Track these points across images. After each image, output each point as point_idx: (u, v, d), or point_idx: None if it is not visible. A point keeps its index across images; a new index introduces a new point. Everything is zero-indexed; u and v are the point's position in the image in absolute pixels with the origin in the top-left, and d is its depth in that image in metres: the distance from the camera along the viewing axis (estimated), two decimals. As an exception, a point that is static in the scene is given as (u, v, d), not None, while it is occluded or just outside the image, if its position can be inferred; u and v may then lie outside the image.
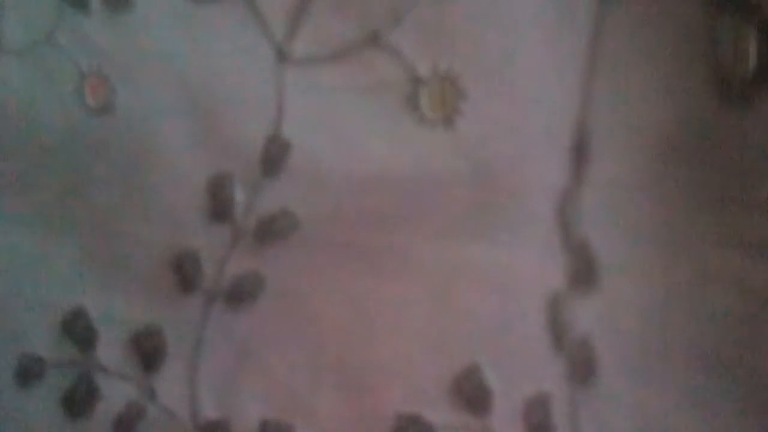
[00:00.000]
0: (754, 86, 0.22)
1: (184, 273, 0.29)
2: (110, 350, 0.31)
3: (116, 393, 0.31)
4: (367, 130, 0.27)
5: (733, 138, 0.23)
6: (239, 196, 0.29)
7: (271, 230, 0.29)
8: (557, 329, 0.28)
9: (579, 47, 0.26)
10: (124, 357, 0.31)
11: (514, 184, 0.27)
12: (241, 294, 0.29)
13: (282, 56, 0.28)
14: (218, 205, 0.29)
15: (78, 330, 0.31)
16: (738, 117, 0.23)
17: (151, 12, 0.29)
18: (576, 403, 0.28)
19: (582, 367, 0.28)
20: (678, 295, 0.25)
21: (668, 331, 0.26)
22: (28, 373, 0.32)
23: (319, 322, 0.29)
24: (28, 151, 0.31)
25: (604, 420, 0.27)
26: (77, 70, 0.30)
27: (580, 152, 0.27)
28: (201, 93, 0.29)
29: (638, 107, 0.25)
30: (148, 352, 0.30)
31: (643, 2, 0.25)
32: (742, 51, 0.23)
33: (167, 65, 0.29)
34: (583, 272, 0.28)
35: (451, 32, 0.26)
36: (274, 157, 0.28)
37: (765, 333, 0.23)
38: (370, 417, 0.28)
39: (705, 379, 0.25)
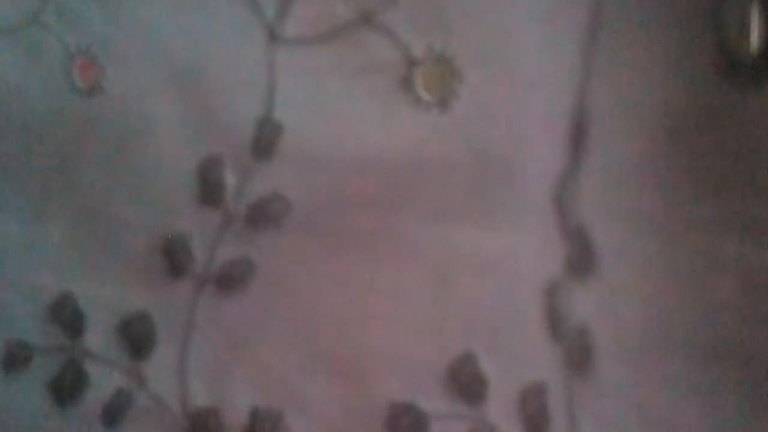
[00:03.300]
0: (758, 66, 0.22)
1: (174, 258, 0.29)
2: (99, 336, 0.31)
3: (105, 380, 0.31)
4: (360, 113, 0.27)
5: (736, 120, 0.23)
6: (230, 179, 0.29)
7: (263, 214, 0.28)
8: (554, 317, 0.28)
9: (578, 27, 0.26)
10: (112, 343, 0.30)
11: (511, 168, 0.27)
12: (231, 279, 0.29)
13: (273, 37, 0.27)
14: (208, 189, 0.29)
15: (66, 316, 0.31)
16: (742, 98, 0.23)
17: None
18: (573, 392, 0.28)
19: (579, 356, 0.27)
20: (678, 281, 0.25)
21: (667, 319, 0.25)
22: (15, 359, 0.31)
23: (311, 308, 0.28)
24: (15, 133, 0.31)
25: (601, 409, 0.27)
26: (65, 50, 0.30)
27: (578, 135, 0.27)
28: (191, 74, 0.28)
29: (639, 88, 0.25)
30: (137, 338, 0.30)
31: None
32: (747, 30, 0.22)
33: (157, 46, 0.28)
34: (581, 258, 0.27)
35: (447, 12, 0.26)
36: (265, 139, 0.28)
37: (766, 320, 0.23)
38: (364, 405, 0.28)
39: (704, 368, 0.24)
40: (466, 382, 0.27)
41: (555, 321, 0.27)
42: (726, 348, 0.24)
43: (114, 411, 0.30)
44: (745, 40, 0.22)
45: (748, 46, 0.22)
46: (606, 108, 0.26)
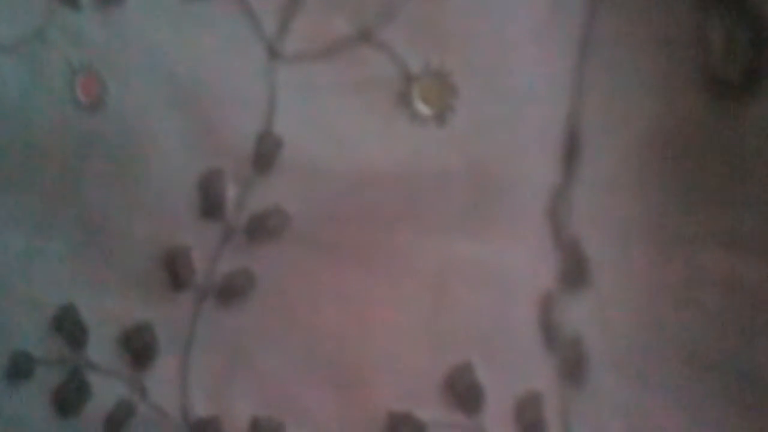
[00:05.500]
0: (744, 85, 0.22)
1: (176, 270, 0.29)
2: (101, 348, 0.31)
3: (107, 391, 0.31)
4: (359, 127, 0.27)
5: (723, 137, 0.23)
6: (231, 192, 0.29)
7: (263, 227, 0.29)
8: (549, 327, 0.28)
9: (570, 44, 0.26)
10: (114, 354, 0.30)
11: (506, 181, 0.27)
12: (232, 291, 0.29)
13: (273, 53, 0.28)
14: (210, 202, 0.29)
15: (68, 327, 0.31)
16: (729, 116, 0.23)
17: (141, 8, 0.29)
18: (567, 401, 0.28)
19: (573, 365, 0.28)
20: (668, 293, 0.25)
21: (658, 330, 0.26)
22: (19, 370, 0.31)
23: (310, 320, 0.29)
24: (18, 147, 0.31)
25: (595, 418, 0.27)
26: (68, 66, 0.30)
27: (571, 150, 0.27)
28: (192, 89, 0.29)
29: (629, 105, 0.25)
30: (138, 349, 0.30)
31: (634, 0, 0.25)
32: (733, 50, 0.23)
33: (158, 61, 0.29)
34: (574, 270, 0.28)
35: (443, 29, 0.26)
36: (265, 153, 0.28)
37: (754, 332, 0.23)
38: (362, 415, 0.28)
39: (695, 378, 0.25)
40: (463, 392, 0.28)
41: (549, 331, 0.28)
42: (713, 357, 0.24)
43: (116, 421, 0.30)
44: (732, 60, 0.23)
45: (735, 66, 0.23)
46: (597, 124, 0.26)
